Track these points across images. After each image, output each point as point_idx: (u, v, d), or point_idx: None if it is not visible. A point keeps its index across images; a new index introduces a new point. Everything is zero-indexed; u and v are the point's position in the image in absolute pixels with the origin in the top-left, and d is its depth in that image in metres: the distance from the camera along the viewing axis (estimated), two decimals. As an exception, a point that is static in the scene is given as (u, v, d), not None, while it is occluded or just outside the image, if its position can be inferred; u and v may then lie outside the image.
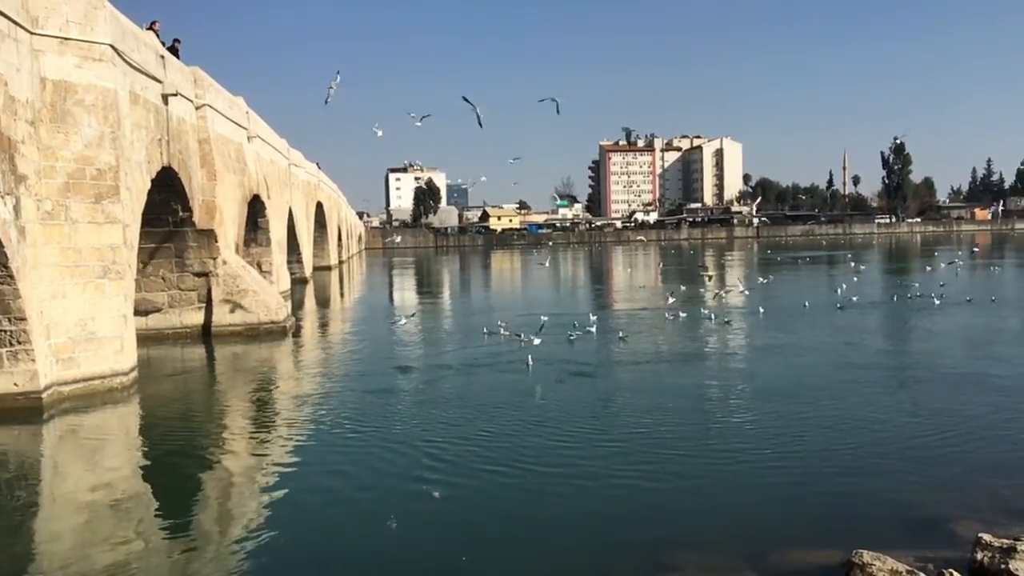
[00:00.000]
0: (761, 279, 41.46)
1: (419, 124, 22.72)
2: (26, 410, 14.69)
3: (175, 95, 22.01)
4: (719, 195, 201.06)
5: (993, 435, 12.34)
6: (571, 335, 22.60)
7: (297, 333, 26.67)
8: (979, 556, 7.45)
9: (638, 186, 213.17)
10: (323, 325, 31.54)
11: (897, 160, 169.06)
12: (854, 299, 30.64)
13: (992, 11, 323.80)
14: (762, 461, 11.24)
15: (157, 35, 21.85)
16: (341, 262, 75.38)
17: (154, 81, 20.42)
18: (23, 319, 14.60)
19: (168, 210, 23.58)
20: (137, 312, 20.74)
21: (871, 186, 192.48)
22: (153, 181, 20.09)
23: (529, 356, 19.06)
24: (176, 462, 12.70)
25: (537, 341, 20.22)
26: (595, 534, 8.98)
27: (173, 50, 24.34)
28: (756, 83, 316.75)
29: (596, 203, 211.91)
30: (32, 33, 15.41)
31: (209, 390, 18.83)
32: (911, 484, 10.22)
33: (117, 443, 14.08)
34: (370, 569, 8.45)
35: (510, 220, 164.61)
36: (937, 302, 28.81)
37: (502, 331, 22.53)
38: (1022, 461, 11.01)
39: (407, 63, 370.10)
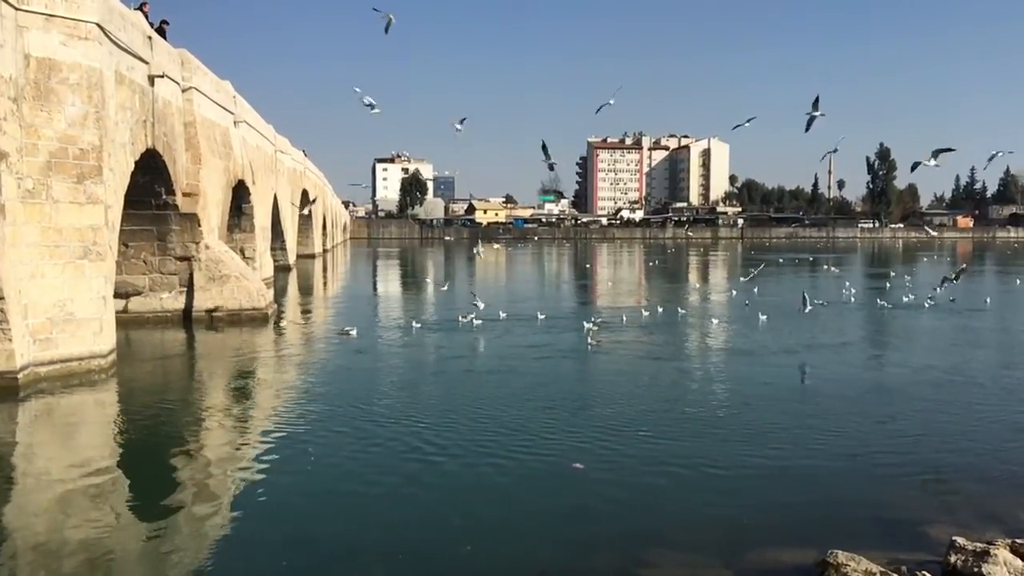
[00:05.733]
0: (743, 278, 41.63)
1: (459, 128, 22.42)
2: (2, 390, 14.51)
3: (161, 77, 21.79)
4: (705, 195, 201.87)
5: (969, 439, 12.44)
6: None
7: (278, 320, 26.55)
8: (952, 559, 7.51)
9: (625, 184, 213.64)
10: (305, 312, 31.39)
11: (882, 165, 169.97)
12: (822, 303, 30.69)
13: (982, 18, 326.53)
14: (738, 461, 11.26)
15: (146, 16, 21.58)
16: (325, 251, 75.04)
17: (140, 62, 20.19)
18: (1, 298, 14.42)
19: (152, 193, 23.36)
20: (117, 295, 20.56)
21: (855, 190, 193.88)
22: (137, 163, 19.89)
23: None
24: (152, 445, 12.60)
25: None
26: (570, 531, 8.96)
27: (160, 31, 24.03)
28: (744, 84, 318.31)
29: (583, 199, 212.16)
30: (17, 9, 15.17)
31: (187, 374, 18.70)
32: (887, 486, 10.29)
33: (93, 425, 13.96)
34: (346, 555, 8.40)
35: (496, 214, 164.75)
36: (910, 301, 29.08)
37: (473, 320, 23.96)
38: (997, 466, 11.09)
39: (397, 48, 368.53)
